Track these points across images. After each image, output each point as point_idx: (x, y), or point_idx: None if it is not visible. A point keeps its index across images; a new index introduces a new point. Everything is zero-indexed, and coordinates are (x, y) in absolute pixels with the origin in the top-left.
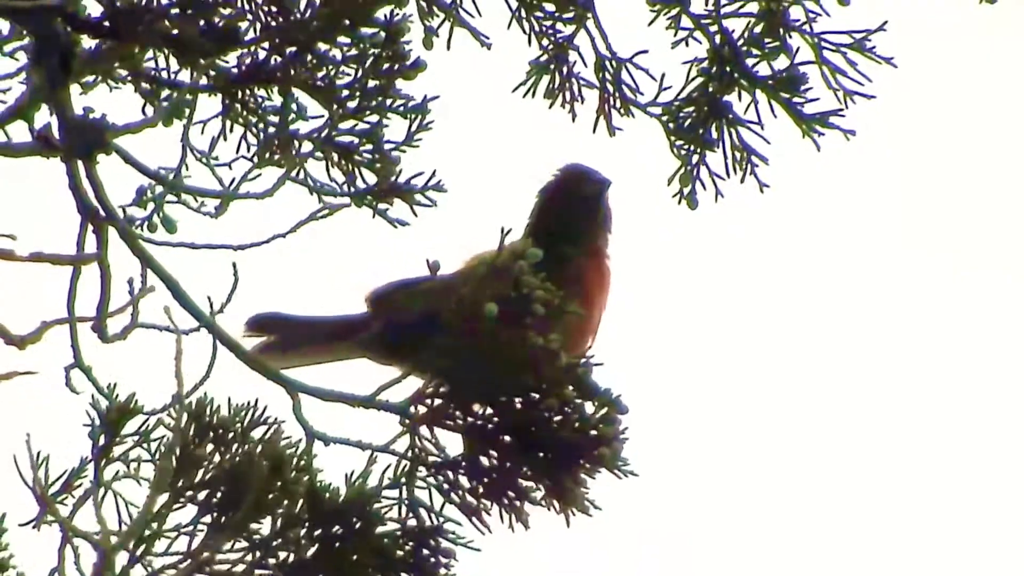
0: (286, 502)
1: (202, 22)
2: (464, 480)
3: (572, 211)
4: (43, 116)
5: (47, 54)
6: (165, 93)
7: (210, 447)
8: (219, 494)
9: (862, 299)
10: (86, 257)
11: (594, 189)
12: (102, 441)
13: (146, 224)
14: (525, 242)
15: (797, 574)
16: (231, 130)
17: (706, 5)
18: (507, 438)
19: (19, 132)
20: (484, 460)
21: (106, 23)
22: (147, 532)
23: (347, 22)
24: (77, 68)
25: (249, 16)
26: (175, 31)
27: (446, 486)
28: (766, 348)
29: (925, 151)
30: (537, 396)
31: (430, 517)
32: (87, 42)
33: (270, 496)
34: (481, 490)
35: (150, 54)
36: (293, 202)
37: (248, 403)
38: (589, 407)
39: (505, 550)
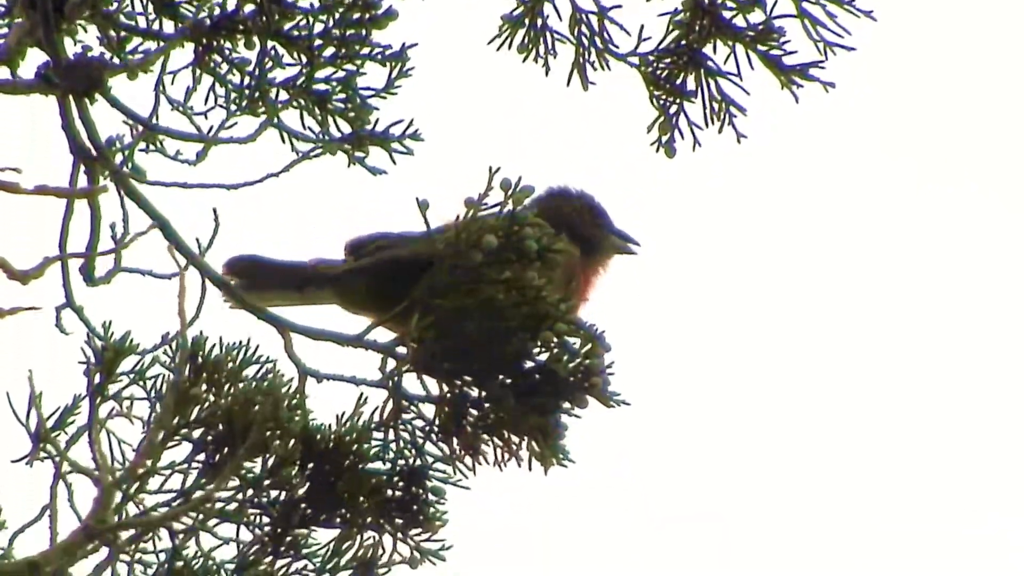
0: (279, 441)
1: None
2: (450, 420)
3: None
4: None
5: None
6: (133, 43)
7: (204, 386)
8: (213, 433)
9: (840, 252)
10: (91, 190)
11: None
12: (97, 379)
13: None
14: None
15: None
16: (199, 81)
17: None
18: (498, 377)
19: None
20: (471, 397)
21: None
22: (141, 470)
23: None
24: (69, 11)
25: None
26: None
27: (431, 427)
28: (741, 294)
29: (905, 104)
30: (528, 332)
31: (418, 457)
32: None
33: (266, 435)
34: (468, 429)
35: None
36: (270, 152)
37: (240, 342)
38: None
39: (494, 488)
